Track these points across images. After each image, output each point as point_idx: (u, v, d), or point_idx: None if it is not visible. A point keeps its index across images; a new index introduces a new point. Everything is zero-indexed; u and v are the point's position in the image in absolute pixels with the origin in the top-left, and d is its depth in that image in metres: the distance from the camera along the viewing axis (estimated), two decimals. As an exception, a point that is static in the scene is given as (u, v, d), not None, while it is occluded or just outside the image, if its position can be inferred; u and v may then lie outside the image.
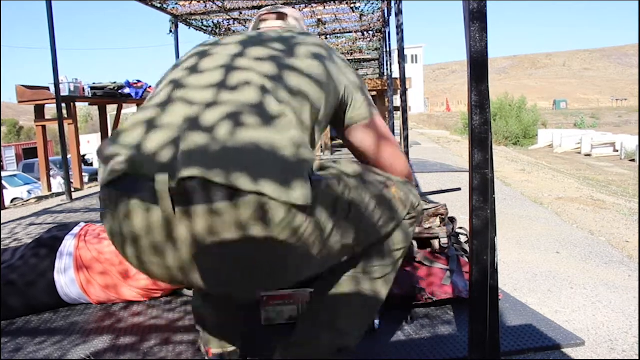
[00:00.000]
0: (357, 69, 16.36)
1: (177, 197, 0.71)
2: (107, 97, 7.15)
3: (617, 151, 22.15)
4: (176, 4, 6.39)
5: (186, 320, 1.40)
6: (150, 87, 8.06)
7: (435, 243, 1.56)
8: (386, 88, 6.67)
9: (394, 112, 6.74)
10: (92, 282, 1.49)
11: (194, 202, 0.71)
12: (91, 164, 17.62)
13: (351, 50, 11.76)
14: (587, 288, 1.77)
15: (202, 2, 6.42)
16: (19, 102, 6.29)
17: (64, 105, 5.19)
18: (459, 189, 1.81)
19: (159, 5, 6.34)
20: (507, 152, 14.77)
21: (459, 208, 2.80)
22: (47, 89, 6.04)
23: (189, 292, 1.57)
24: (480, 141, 0.98)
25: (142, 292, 1.53)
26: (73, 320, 1.45)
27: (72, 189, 4.76)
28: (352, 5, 7.17)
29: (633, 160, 19.40)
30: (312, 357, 0.93)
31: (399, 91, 4.74)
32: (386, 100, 7.06)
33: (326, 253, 0.83)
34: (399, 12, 4.02)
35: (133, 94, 7.68)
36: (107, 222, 0.81)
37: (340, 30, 9.17)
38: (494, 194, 1.00)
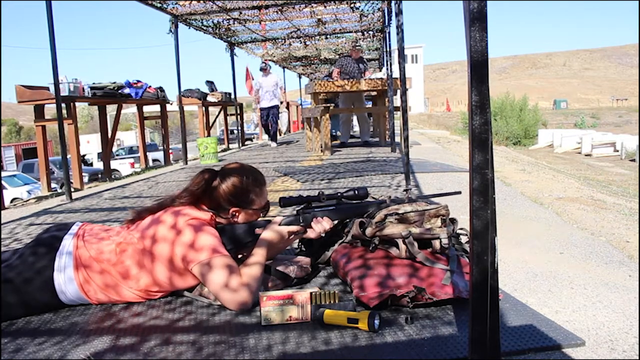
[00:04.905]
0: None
1: None
2: (107, 97, 7.15)
3: (618, 151, 22.17)
4: (176, 3, 6.39)
5: (186, 321, 1.40)
6: (150, 87, 8.06)
7: (436, 243, 1.56)
8: (386, 88, 6.66)
9: (394, 112, 6.73)
10: (91, 282, 1.49)
11: None
12: (91, 164, 17.59)
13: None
14: (588, 288, 1.77)
15: (202, 1, 6.42)
16: (19, 102, 6.30)
17: (63, 105, 5.19)
18: (459, 192, 1.80)
19: (159, 5, 6.33)
20: (508, 152, 14.76)
21: (459, 208, 2.80)
22: (47, 89, 6.04)
23: (189, 293, 1.57)
24: (481, 141, 0.98)
25: (141, 292, 1.53)
26: (73, 320, 1.45)
27: (72, 189, 4.75)
28: (352, 5, 7.17)
29: (633, 160, 19.41)
30: None
31: (399, 91, 4.73)
32: (386, 100, 7.05)
33: None
34: (399, 12, 4.01)
35: (133, 94, 7.68)
36: None
37: (340, 30, 9.18)
38: (494, 194, 1.00)
